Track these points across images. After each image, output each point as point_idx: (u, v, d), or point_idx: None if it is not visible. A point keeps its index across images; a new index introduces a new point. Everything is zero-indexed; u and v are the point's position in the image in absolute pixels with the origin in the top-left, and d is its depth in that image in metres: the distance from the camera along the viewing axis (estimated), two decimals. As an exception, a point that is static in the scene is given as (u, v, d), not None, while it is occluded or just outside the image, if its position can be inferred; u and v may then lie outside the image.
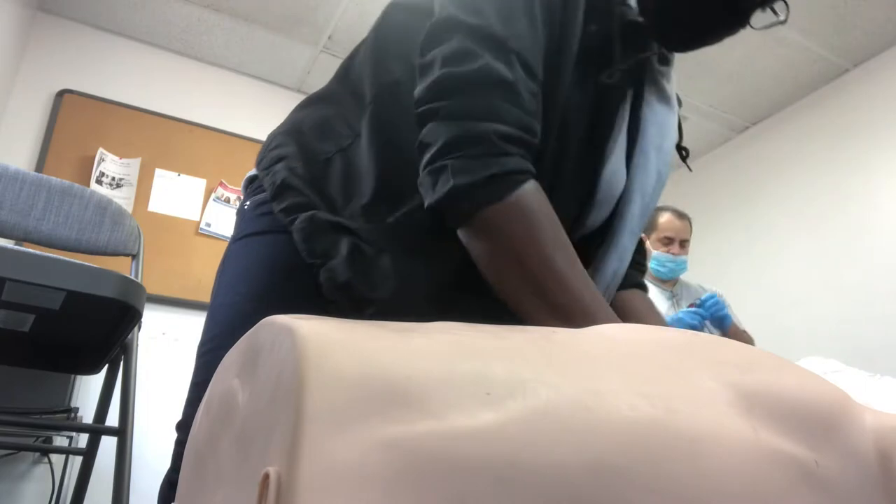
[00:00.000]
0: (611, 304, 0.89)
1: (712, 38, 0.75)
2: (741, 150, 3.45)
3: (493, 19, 0.63)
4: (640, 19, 0.74)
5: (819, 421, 0.41)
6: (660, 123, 0.84)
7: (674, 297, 2.34)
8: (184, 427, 0.76)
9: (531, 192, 0.63)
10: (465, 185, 0.61)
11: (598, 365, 0.40)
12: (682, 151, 0.91)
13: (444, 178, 0.62)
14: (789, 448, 0.38)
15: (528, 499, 0.30)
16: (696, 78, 3.04)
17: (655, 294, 2.32)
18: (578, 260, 0.65)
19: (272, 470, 0.30)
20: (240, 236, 0.79)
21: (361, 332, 0.38)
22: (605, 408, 0.35)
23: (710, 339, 0.49)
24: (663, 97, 0.85)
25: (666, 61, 0.87)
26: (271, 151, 0.80)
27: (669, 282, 2.36)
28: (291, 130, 0.81)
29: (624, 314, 0.89)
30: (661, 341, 0.46)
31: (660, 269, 2.34)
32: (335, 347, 0.35)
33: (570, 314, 0.61)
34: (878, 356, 2.44)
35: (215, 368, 0.71)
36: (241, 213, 0.82)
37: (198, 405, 0.74)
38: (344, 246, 0.68)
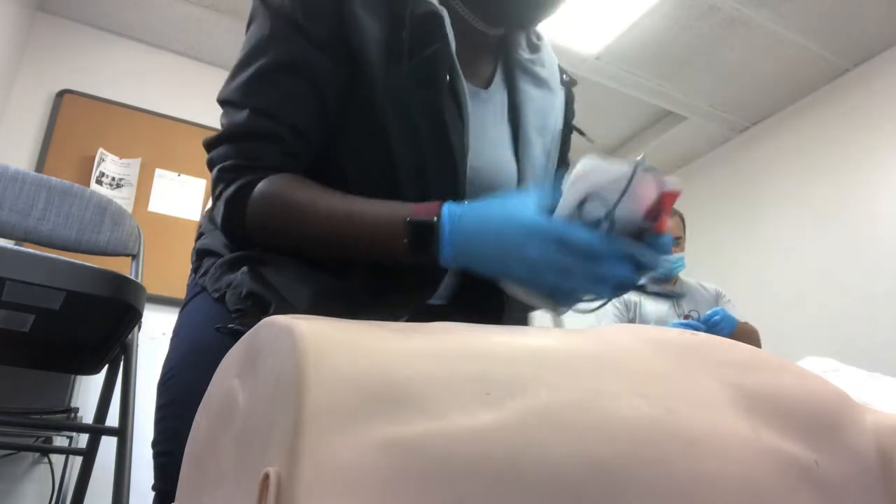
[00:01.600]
0: None
1: (539, 8, 0.82)
2: (741, 150, 3.45)
3: (234, 90, 0.78)
4: (436, 8, 0.77)
5: (819, 421, 0.41)
6: (538, 108, 0.91)
7: (674, 298, 2.31)
8: (159, 442, 0.79)
9: (261, 189, 0.74)
10: (223, 224, 0.77)
11: (598, 365, 0.40)
12: (571, 127, 0.98)
13: (217, 216, 0.79)
14: (789, 448, 0.38)
15: (527, 499, 0.30)
16: (696, 78, 3.04)
17: (653, 297, 2.29)
18: (341, 196, 0.72)
19: (272, 470, 0.30)
20: (184, 304, 0.88)
21: (361, 332, 0.38)
22: (604, 408, 0.35)
23: (710, 340, 0.49)
24: (538, 82, 0.93)
25: (535, 48, 0.94)
26: (197, 232, 0.93)
27: (668, 282, 2.34)
28: (209, 207, 0.92)
29: None
30: (661, 341, 0.46)
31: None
32: (335, 347, 0.35)
33: (356, 237, 0.69)
34: (878, 356, 2.44)
35: (177, 391, 0.77)
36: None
37: (166, 422, 0.78)
38: (244, 269, 0.74)
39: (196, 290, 0.84)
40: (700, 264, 3.19)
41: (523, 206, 0.63)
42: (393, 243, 0.67)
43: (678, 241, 2.32)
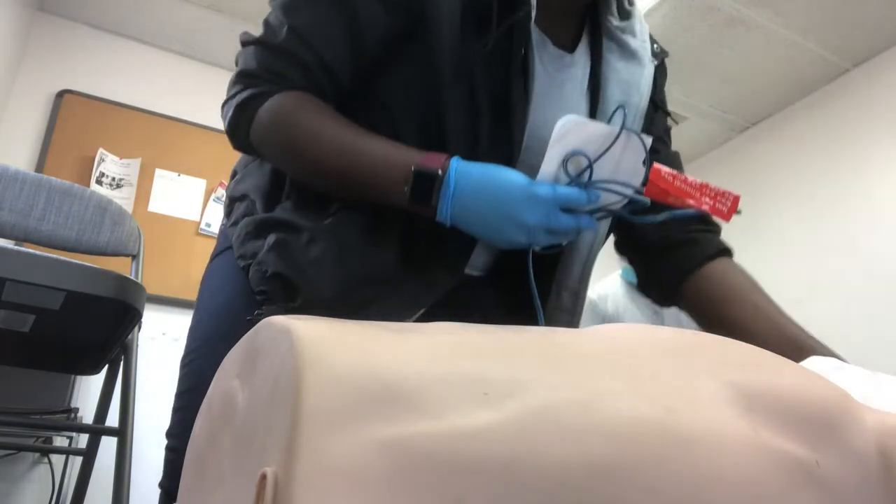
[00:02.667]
0: (697, 283, 0.88)
1: None
2: (741, 150, 3.45)
3: (277, 11, 0.75)
4: None
5: (820, 421, 0.41)
6: (622, 80, 0.84)
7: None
8: (173, 434, 0.77)
9: (273, 102, 0.72)
10: (228, 126, 0.75)
11: (597, 365, 0.40)
12: (659, 105, 0.91)
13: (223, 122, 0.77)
14: (790, 448, 0.38)
15: (525, 499, 0.30)
16: (696, 78, 3.03)
17: (631, 307, 2.18)
18: (353, 128, 0.71)
19: (269, 470, 0.30)
20: (214, 255, 0.85)
21: (359, 332, 0.38)
22: (603, 408, 0.35)
23: (711, 339, 0.49)
24: (626, 53, 0.85)
25: (626, 14, 0.87)
26: (231, 174, 0.90)
27: None
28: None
29: (718, 291, 0.86)
30: (660, 341, 0.46)
31: (633, 279, 2.20)
32: (333, 348, 0.34)
33: (357, 173, 0.67)
34: (878, 356, 2.44)
35: (198, 377, 0.75)
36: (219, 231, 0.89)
37: (184, 413, 0.77)
38: (270, 241, 0.72)
39: (226, 243, 0.82)
40: (700, 264, 3.17)
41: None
42: (393, 188, 0.65)
43: None
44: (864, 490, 0.39)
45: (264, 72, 0.74)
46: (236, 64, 0.77)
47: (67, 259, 1.22)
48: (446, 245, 0.72)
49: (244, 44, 0.77)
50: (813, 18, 2.62)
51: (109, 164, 2.75)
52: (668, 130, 0.95)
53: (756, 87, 3.08)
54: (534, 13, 0.74)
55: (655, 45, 0.91)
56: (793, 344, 0.79)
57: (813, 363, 0.66)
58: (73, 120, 2.75)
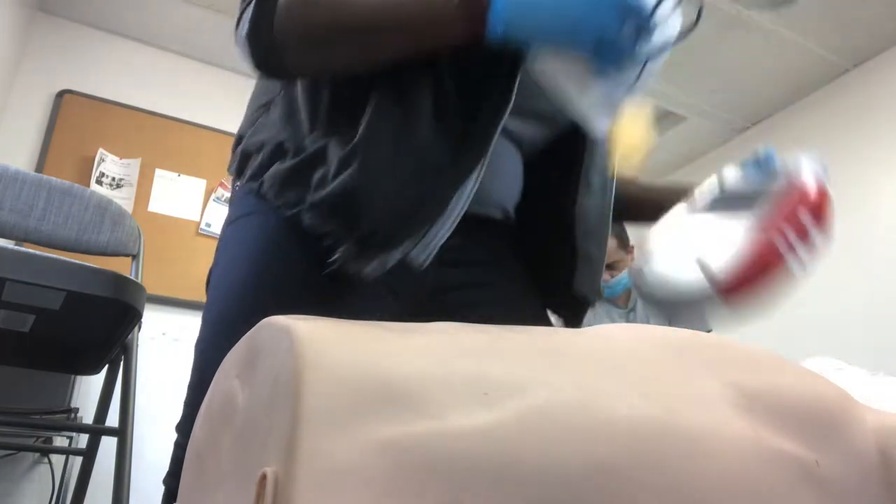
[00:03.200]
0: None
1: None
2: (741, 150, 3.44)
3: None
4: None
5: (820, 421, 0.41)
6: None
7: (632, 312, 2.22)
8: (183, 428, 0.76)
9: None
10: (250, 30, 0.70)
11: (597, 365, 0.40)
12: None
13: (239, 39, 0.73)
14: (790, 448, 0.38)
15: (525, 499, 0.30)
16: (696, 78, 3.04)
17: (603, 315, 2.19)
18: None
19: (269, 470, 0.30)
20: (228, 223, 0.80)
21: (359, 332, 0.38)
22: (603, 408, 0.35)
23: (711, 339, 0.49)
24: None
25: None
26: (237, 136, 0.85)
27: (622, 297, 2.22)
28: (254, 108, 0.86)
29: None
30: (661, 340, 0.46)
31: (605, 293, 2.21)
32: (333, 348, 0.34)
33: (396, 9, 0.64)
34: (878, 356, 2.44)
35: (212, 367, 0.72)
36: (231, 196, 0.84)
37: (187, 410, 0.74)
38: (316, 178, 0.69)
39: (242, 210, 0.77)
40: (700, 264, 3.17)
41: None
42: (439, 6, 0.61)
43: (613, 267, 2.16)
44: (863, 489, 0.39)
45: None
46: None
47: (67, 259, 1.22)
48: (487, 88, 0.69)
49: None
50: (813, 18, 2.62)
51: (109, 164, 2.75)
52: None
53: (756, 87, 3.08)
54: None
55: None
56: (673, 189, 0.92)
57: (815, 363, 0.66)
58: (73, 120, 2.75)
